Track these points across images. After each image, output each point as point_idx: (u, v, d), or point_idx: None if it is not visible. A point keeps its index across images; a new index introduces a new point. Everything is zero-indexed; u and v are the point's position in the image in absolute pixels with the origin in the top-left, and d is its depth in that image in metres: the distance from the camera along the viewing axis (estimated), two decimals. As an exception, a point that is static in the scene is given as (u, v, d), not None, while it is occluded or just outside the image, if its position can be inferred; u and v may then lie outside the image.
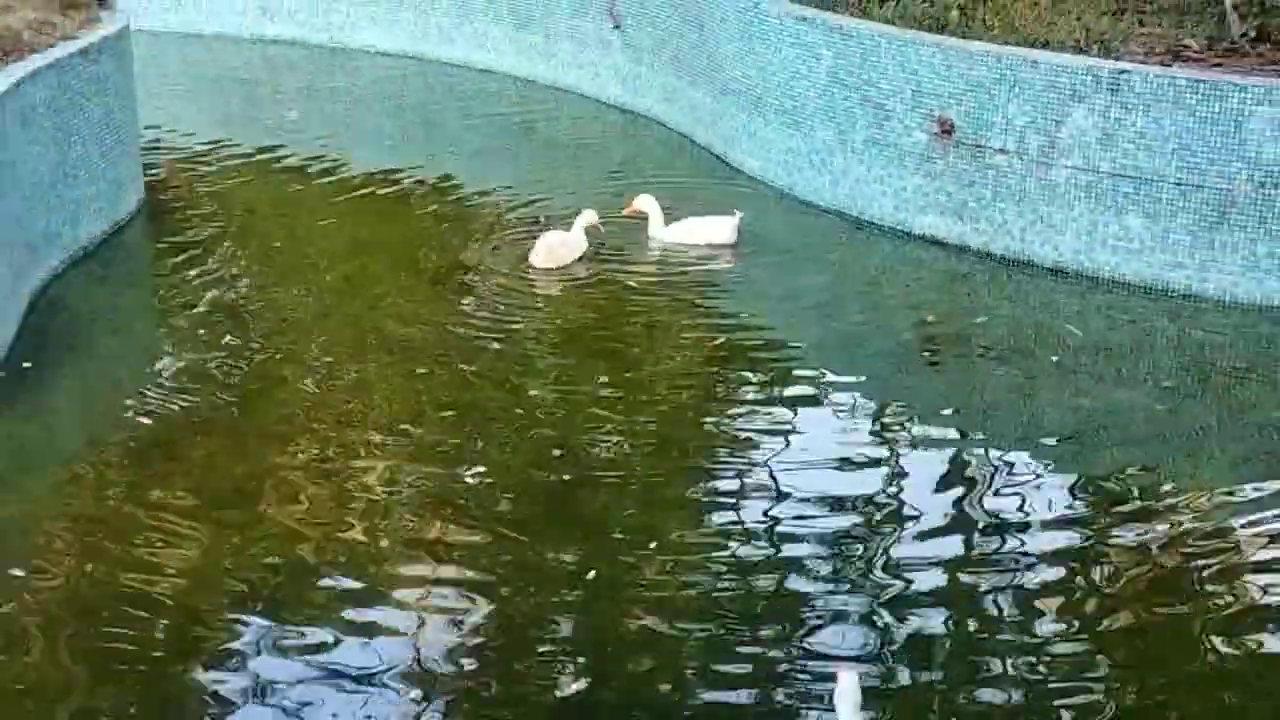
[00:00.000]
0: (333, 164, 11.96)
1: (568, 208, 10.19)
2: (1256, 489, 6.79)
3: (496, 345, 8.25)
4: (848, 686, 4.88)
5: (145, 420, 7.34)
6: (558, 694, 5.23)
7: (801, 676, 5.32)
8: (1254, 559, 6.17)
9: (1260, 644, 5.58)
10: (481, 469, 6.78)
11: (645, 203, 9.87)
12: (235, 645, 5.51)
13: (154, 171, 11.32)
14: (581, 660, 5.42)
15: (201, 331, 8.43)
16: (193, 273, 9.38)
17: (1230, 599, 5.87)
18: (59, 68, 9.28)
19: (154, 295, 9.39)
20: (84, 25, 10.18)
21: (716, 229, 9.80)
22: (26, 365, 7.83)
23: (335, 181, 11.57)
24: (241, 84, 15.21)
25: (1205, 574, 6.03)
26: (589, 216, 9.62)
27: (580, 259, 9.50)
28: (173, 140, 12.48)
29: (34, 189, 8.75)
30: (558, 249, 9.43)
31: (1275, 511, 6.54)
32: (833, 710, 4.95)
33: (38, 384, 7.69)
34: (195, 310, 8.76)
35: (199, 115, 13.71)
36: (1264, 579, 6.01)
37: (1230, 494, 6.73)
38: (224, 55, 15.98)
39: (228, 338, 8.31)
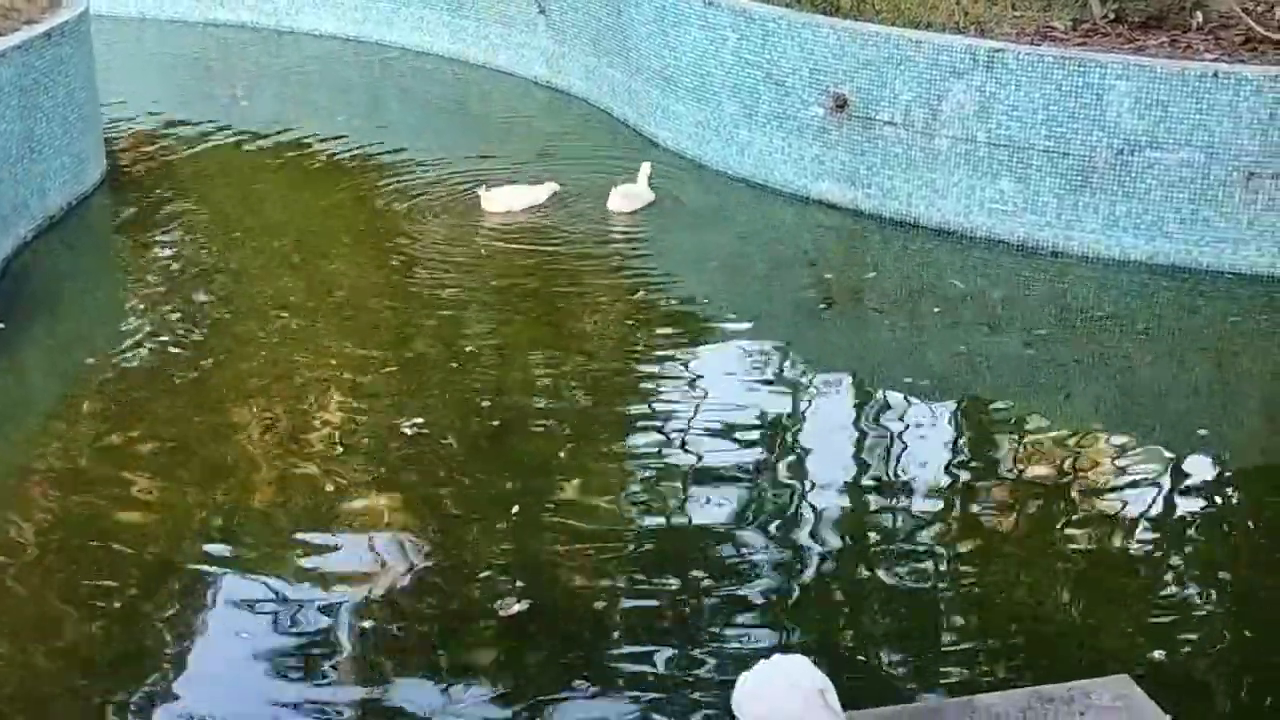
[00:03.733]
0: (282, 138, 11.78)
1: (499, 173, 10.15)
2: (1111, 423, 6.96)
3: (432, 302, 8.20)
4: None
5: (113, 374, 7.23)
6: (500, 613, 5.26)
7: (715, 594, 5.38)
8: (1106, 481, 6.34)
9: (1107, 546, 5.81)
10: (420, 419, 6.75)
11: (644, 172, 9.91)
12: (202, 583, 5.46)
13: (115, 146, 11.09)
14: (519, 584, 5.44)
15: (163, 292, 8.30)
16: (154, 238, 9.23)
17: (1084, 511, 6.06)
18: (24, 49, 9.05)
19: (118, 260, 9.23)
20: (46, 10, 9.94)
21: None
22: (0, 325, 7.69)
23: (285, 153, 11.40)
24: (195, 65, 14.91)
25: (1065, 493, 6.20)
26: (551, 186, 9.79)
27: (525, 210, 9.58)
28: (132, 117, 12.22)
29: (3, 163, 8.56)
30: (509, 197, 9.56)
31: (1126, 442, 6.70)
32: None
33: (11, 342, 7.55)
34: (157, 273, 8.63)
35: (157, 94, 13.41)
36: (1111, 494, 6.22)
37: (1090, 428, 6.88)
38: (178, 39, 15.64)
39: (188, 298, 8.19)
